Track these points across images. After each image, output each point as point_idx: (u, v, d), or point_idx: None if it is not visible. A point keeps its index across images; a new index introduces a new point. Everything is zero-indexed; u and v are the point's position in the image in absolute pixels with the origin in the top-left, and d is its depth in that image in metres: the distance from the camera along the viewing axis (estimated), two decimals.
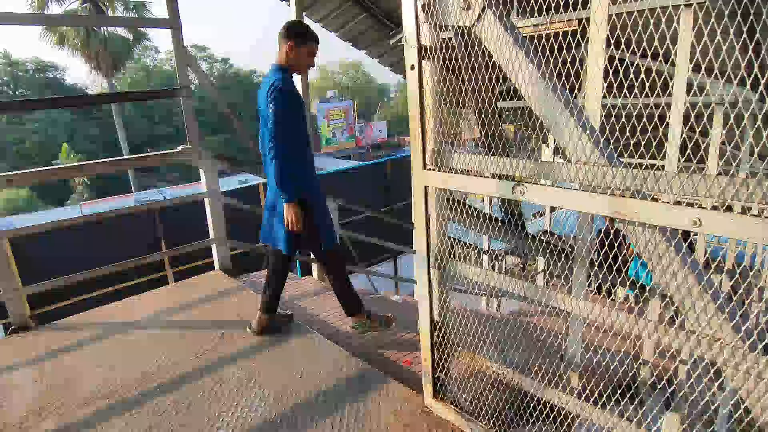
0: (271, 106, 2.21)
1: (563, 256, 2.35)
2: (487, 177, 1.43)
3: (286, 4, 4.46)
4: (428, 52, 1.52)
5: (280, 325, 2.76)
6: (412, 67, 1.53)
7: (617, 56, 5.17)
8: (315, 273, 4.55)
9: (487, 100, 1.75)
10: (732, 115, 3.27)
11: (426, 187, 1.63)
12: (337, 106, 38.25)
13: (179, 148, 3.30)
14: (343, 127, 39.41)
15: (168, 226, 8.59)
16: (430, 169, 1.60)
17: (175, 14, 3.11)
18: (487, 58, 1.55)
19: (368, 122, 47.85)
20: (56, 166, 2.94)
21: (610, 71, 1.75)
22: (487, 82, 1.68)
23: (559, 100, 1.25)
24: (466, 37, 1.57)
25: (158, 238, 8.24)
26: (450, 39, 1.53)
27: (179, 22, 3.14)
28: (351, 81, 52.13)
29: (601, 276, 2.50)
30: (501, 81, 1.81)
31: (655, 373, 1.85)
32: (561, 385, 1.78)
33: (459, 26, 1.45)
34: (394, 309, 4.12)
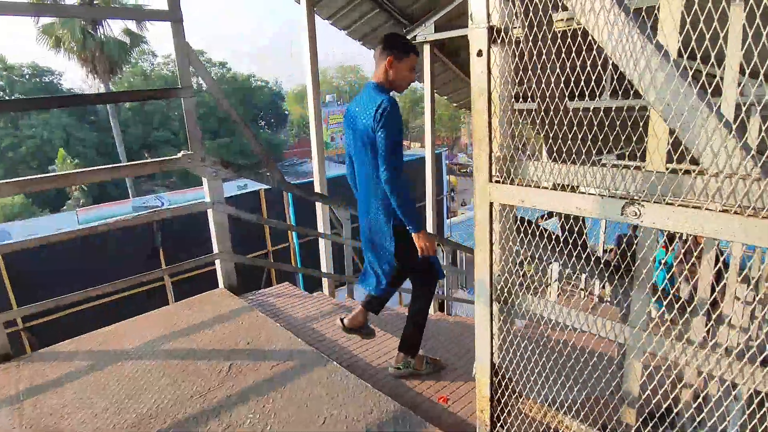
0: (381, 132, 2.03)
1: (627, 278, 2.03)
2: (583, 192, 1.11)
3: (296, 1, 4.15)
4: (500, 35, 1.20)
5: (367, 334, 2.55)
6: (479, 53, 1.22)
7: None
8: (326, 288, 4.23)
9: (558, 94, 1.44)
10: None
11: (491, 204, 1.31)
12: (336, 110, 37.92)
13: (180, 154, 2.98)
14: (342, 131, 39.08)
15: (166, 235, 8.28)
16: (497, 182, 1.29)
17: (176, 6, 2.80)
18: (559, 43, 1.25)
19: None
20: (45, 175, 2.62)
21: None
22: (558, 72, 1.37)
23: (699, 96, 0.93)
24: (537, 15, 1.26)
25: (156, 248, 7.93)
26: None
27: (180, 14, 2.82)
28: (349, 85, 52.02)
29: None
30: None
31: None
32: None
33: None
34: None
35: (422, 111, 53.25)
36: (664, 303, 1.41)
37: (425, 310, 2.42)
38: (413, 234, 2.15)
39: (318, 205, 4.10)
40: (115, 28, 20.72)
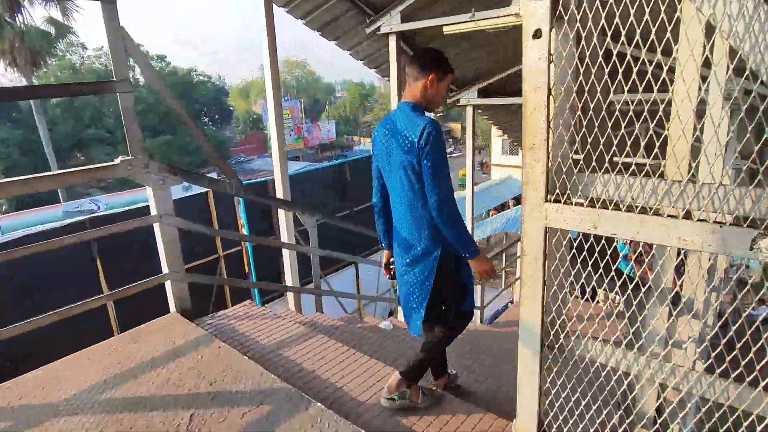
0: (427, 160, 1.86)
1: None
2: (688, 218, 0.83)
3: None
4: (567, 10, 0.91)
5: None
6: (537, 34, 0.92)
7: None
8: (291, 302, 3.84)
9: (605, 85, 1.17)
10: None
11: (546, 230, 1.02)
12: (284, 106, 36.87)
13: (118, 161, 2.51)
14: (291, 127, 38.27)
15: (104, 244, 7.48)
16: (555, 201, 1.00)
17: None
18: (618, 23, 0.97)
19: (316, 122, 46.98)
20: None
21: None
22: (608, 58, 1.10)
23: None
24: None
25: (94, 258, 7.15)
26: None
27: None
28: (296, 80, 51.00)
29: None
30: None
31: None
32: None
33: None
34: (388, 341, 3.50)
35: (372, 106, 53.03)
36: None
37: (445, 345, 2.23)
38: (470, 260, 1.99)
39: (281, 212, 3.70)
40: (36, 17, 18.96)
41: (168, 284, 2.85)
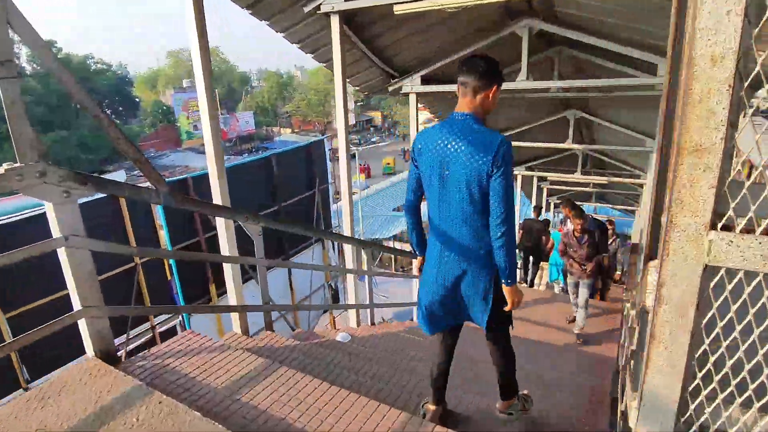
0: (501, 178, 1.86)
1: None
2: None
3: None
4: None
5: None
6: None
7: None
8: (236, 324, 3.31)
9: None
10: None
11: (706, 270, 0.70)
12: (196, 96, 34.64)
13: (2, 169, 1.88)
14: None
15: None
16: (724, 228, 0.68)
17: None
18: None
19: (232, 113, 44.84)
20: None
21: None
22: None
23: None
24: None
25: None
26: None
27: None
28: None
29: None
30: None
31: None
32: None
33: None
34: (354, 361, 3.13)
35: (291, 96, 51.56)
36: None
37: (511, 348, 2.30)
38: (507, 286, 2.02)
39: (220, 220, 3.15)
40: None
41: (82, 323, 2.25)
